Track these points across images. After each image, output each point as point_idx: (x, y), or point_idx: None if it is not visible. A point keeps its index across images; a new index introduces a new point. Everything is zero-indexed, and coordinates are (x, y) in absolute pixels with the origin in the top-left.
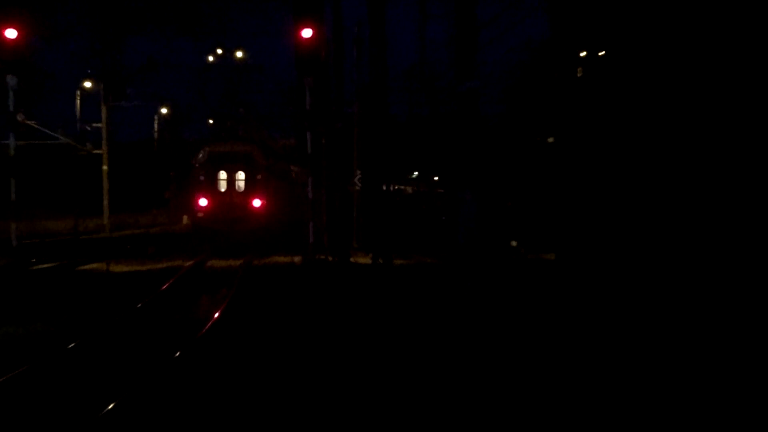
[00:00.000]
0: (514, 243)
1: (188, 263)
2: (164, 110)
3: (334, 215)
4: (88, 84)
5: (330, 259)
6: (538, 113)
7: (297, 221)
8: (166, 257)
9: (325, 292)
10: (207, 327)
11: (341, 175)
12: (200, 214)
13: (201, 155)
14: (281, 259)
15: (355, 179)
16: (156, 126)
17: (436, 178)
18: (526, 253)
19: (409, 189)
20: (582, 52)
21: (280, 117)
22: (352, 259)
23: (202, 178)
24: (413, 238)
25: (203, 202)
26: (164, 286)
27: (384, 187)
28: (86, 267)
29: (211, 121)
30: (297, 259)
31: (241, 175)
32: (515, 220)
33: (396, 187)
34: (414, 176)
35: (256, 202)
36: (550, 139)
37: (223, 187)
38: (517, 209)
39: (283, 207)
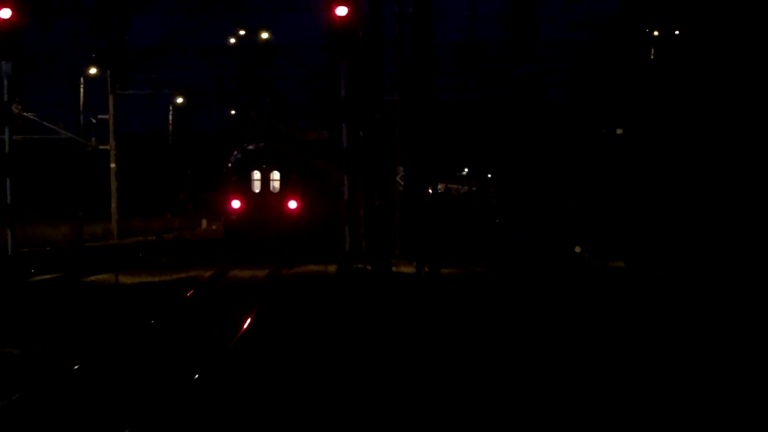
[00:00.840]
0: (578, 249)
1: (207, 274)
2: (180, 99)
3: (373, 218)
4: (92, 70)
5: (369, 268)
6: (605, 101)
7: (334, 224)
8: (183, 267)
9: (361, 310)
10: (231, 343)
11: (381, 173)
12: (233, 217)
13: (234, 154)
14: (314, 268)
15: (397, 177)
16: (171, 117)
17: (489, 176)
18: (591, 260)
19: (459, 188)
20: (655, 31)
21: (311, 106)
22: (393, 269)
23: (234, 178)
24: (463, 245)
25: (236, 203)
26: (180, 300)
27: (430, 187)
28: (92, 278)
29: (232, 112)
30: (331, 268)
31: (275, 175)
32: (578, 222)
33: (443, 187)
34: (464, 173)
35: (292, 204)
36: (619, 131)
37: (257, 188)
38: (580, 210)
39: (320, 208)
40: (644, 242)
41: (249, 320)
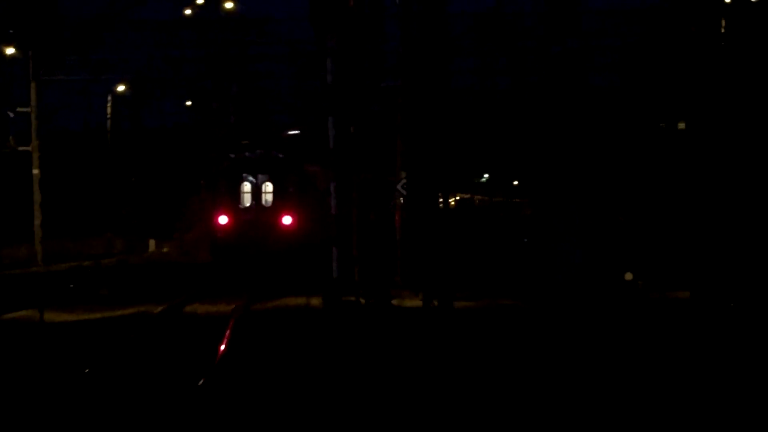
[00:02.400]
0: (628, 275)
1: (158, 309)
2: (122, 87)
3: (368, 237)
4: (10, 50)
5: (362, 301)
6: (664, 86)
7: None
8: (127, 300)
9: (351, 361)
10: (182, 408)
11: (378, 180)
12: (220, 234)
13: (222, 163)
14: (294, 301)
15: (399, 186)
16: (109, 109)
17: (515, 183)
18: (646, 289)
19: (483, 198)
20: None
21: (291, 95)
22: (394, 302)
23: (222, 190)
24: (483, 270)
25: (223, 219)
26: (123, 344)
27: (441, 197)
28: (10, 316)
29: (189, 103)
30: (316, 301)
31: (268, 186)
32: (630, 242)
33: (460, 197)
34: (484, 180)
35: (287, 220)
36: (681, 125)
37: (247, 201)
38: (632, 226)
39: (317, 224)
40: (716, 267)
41: (205, 377)
